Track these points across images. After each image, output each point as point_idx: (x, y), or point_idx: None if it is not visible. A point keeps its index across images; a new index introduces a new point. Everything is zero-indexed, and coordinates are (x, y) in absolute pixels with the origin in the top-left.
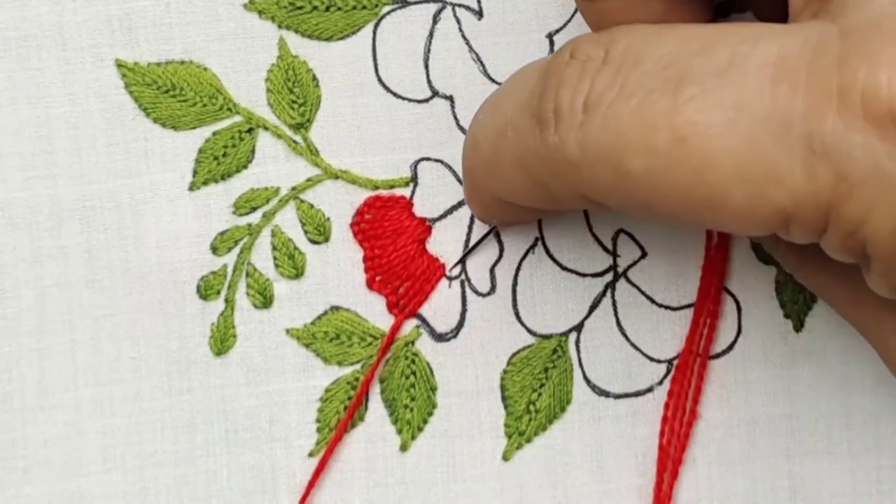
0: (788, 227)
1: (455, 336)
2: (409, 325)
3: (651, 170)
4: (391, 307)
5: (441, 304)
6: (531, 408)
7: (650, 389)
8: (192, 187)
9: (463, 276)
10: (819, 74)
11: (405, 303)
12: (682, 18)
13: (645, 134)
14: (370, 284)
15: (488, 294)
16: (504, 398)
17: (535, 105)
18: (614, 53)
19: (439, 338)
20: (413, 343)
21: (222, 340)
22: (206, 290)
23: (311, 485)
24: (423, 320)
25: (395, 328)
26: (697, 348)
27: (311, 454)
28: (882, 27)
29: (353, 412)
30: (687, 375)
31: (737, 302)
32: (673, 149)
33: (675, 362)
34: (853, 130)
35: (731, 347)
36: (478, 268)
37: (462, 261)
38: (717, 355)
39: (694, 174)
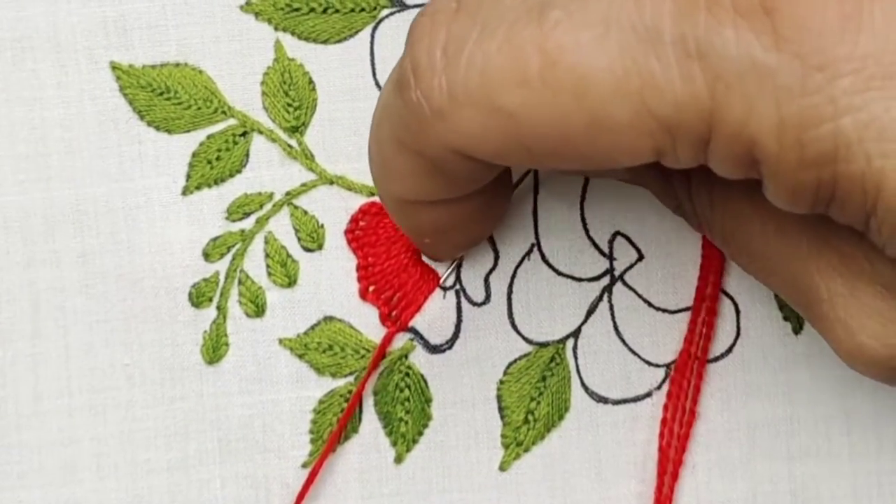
0: (675, 141)
1: (450, 347)
2: (403, 338)
3: (526, 102)
4: (384, 319)
5: (436, 315)
6: (529, 417)
7: (649, 394)
8: (186, 192)
9: (458, 286)
10: None
11: (398, 314)
12: None
13: (515, 66)
14: (363, 295)
15: (483, 303)
16: (500, 409)
17: (395, 75)
18: (467, 0)
19: (434, 349)
20: (407, 356)
21: (214, 349)
22: (197, 297)
23: (302, 495)
24: (417, 333)
25: (387, 341)
26: (696, 349)
27: (304, 465)
28: None
29: (345, 424)
30: (686, 376)
31: (735, 305)
32: (546, 75)
33: (674, 364)
34: (724, 26)
35: (730, 350)
36: (472, 276)
37: (454, 269)
38: (716, 358)
39: (571, 98)
